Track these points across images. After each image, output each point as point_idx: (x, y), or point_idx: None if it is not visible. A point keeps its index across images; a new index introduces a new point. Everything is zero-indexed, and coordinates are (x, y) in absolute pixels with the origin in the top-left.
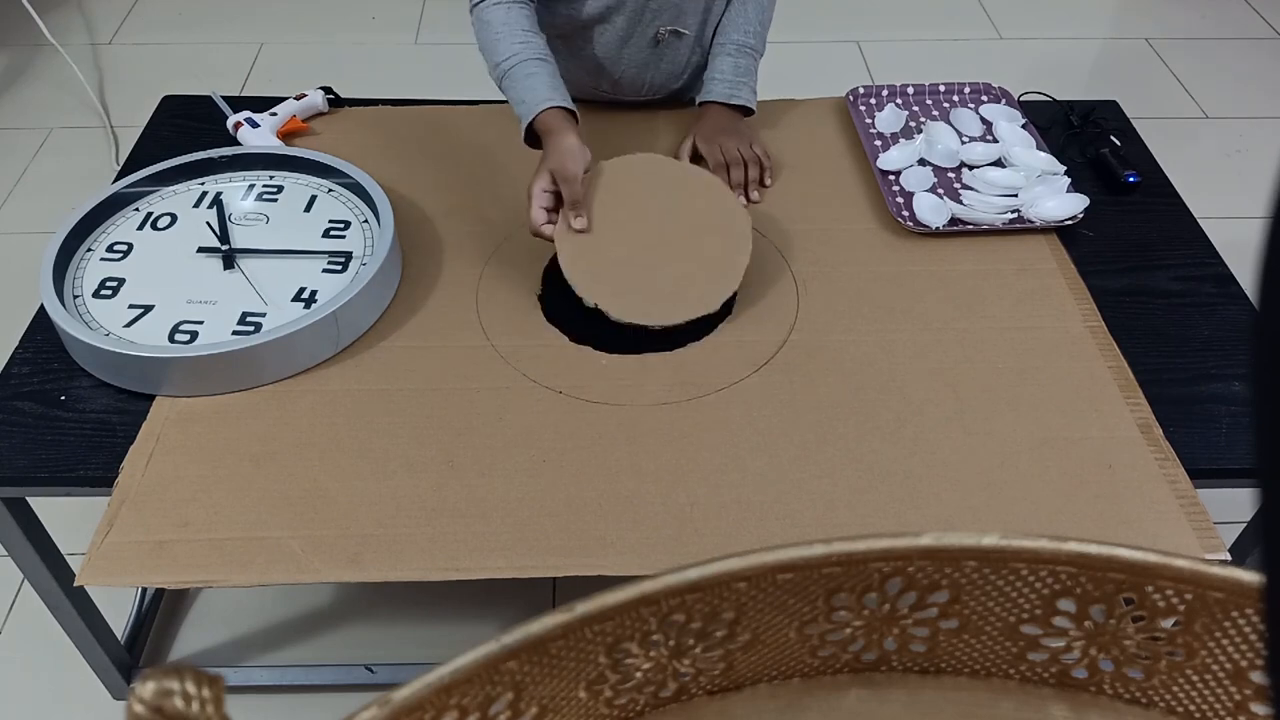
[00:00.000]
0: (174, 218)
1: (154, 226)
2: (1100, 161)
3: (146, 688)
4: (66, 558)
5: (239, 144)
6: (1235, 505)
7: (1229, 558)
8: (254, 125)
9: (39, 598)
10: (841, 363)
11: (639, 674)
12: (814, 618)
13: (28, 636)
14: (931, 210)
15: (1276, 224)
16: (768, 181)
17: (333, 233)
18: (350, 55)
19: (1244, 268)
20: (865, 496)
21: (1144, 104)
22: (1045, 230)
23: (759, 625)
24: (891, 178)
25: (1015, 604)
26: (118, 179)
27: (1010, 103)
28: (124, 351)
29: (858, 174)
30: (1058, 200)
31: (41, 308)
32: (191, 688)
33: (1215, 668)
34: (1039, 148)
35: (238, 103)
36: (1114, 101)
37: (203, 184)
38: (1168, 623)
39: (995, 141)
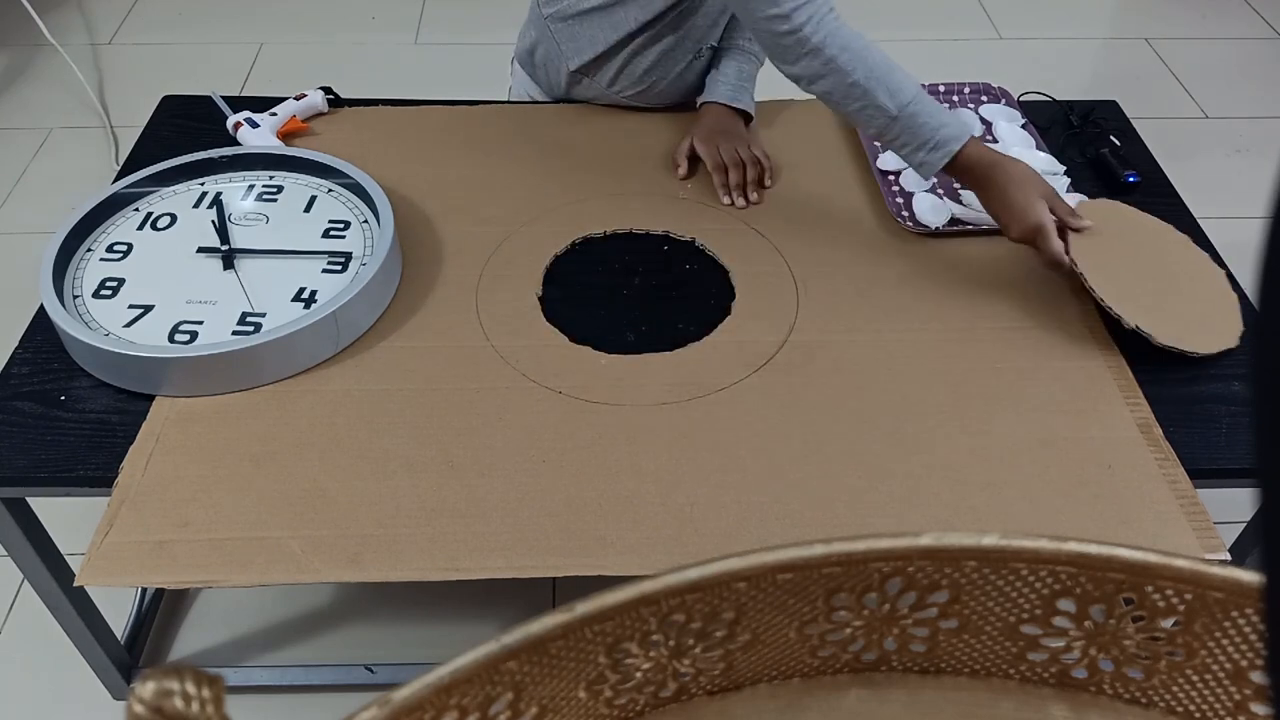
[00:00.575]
0: (174, 218)
1: (154, 227)
2: (1100, 161)
3: (146, 688)
4: (66, 558)
5: (239, 144)
6: (1235, 505)
7: (1229, 558)
8: (254, 125)
9: (39, 598)
10: (841, 363)
11: (639, 674)
12: (814, 618)
13: (28, 636)
14: (931, 210)
15: (1276, 224)
16: (767, 182)
17: (332, 233)
18: (350, 55)
19: (1244, 268)
20: (865, 496)
21: (1144, 104)
22: None
23: (759, 625)
24: (891, 178)
25: (1015, 604)
26: (118, 179)
27: (1010, 103)
28: (124, 351)
29: (857, 174)
30: None
31: (41, 308)
32: (191, 688)
33: (1215, 668)
34: (1039, 148)
35: (238, 103)
36: (1114, 101)
37: (202, 184)
38: (1168, 623)
39: (995, 141)
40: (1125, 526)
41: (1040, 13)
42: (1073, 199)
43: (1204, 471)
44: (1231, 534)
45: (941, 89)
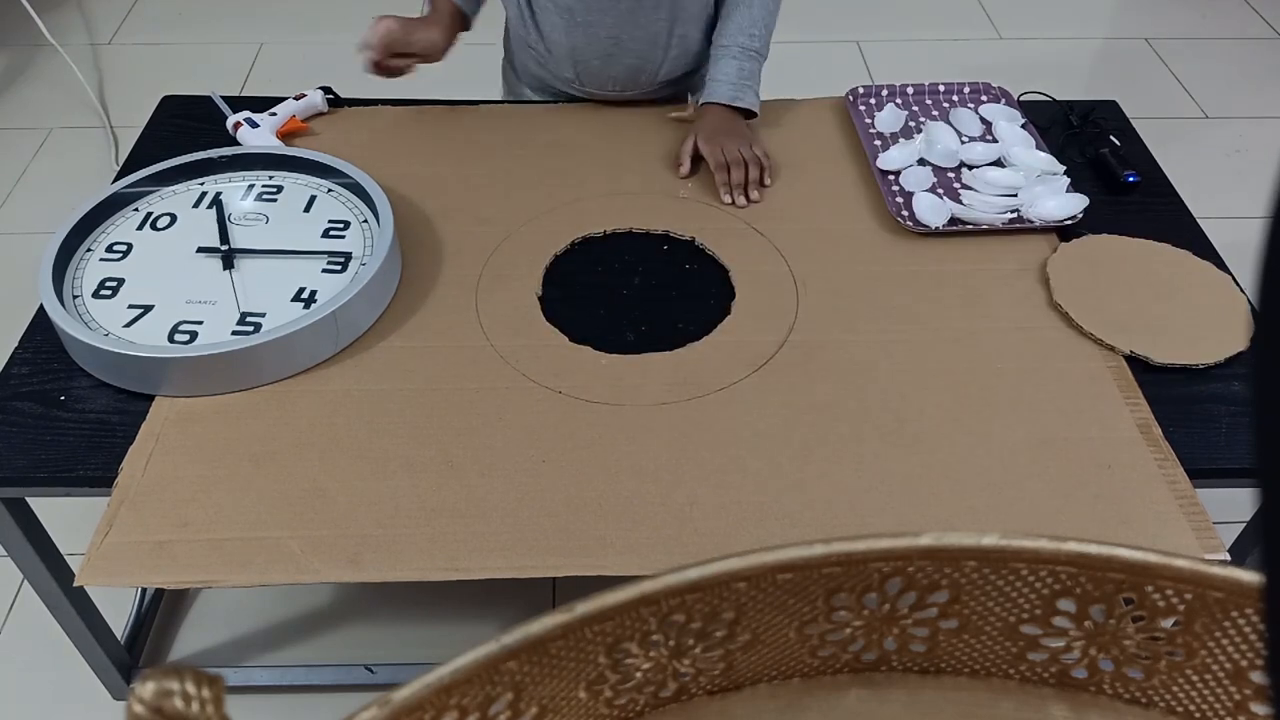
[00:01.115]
0: (173, 218)
1: (153, 226)
2: (1100, 161)
3: (146, 688)
4: (66, 558)
5: (239, 144)
6: (1235, 505)
7: (1228, 558)
8: (253, 125)
9: (39, 598)
10: (841, 363)
11: (639, 674)
12: (814, 618)
13: (27, 637)
14: (931, 210)
15: (1276, 224)
16: (767, 181)
17: (332, 233)
18: (350, 55)
19: (1244, 268)
20: (865, 496)
21: (1144, 104)
22: (1045, 230)
23: (759, 625)
24: (891, 178)
25: (1015, 604)
26: (117, 179)
27: (1010, 102)
28: (123, 351)
29: (857, 174)
30: (1057, 200)
31: (41, 308)
32: (191, 688)
33: (1215, 668)
34: (1039, 148)
35: (237, 103)
36: (1114, 101)
37: (202, 184)
38: (1168, 623)
39: (995, 141)
40: (1125, 527)
41: (1040, 13)
42: (1073, 199)
43: (1204, 471)
44: (1231, 534)
45: (941, 89)
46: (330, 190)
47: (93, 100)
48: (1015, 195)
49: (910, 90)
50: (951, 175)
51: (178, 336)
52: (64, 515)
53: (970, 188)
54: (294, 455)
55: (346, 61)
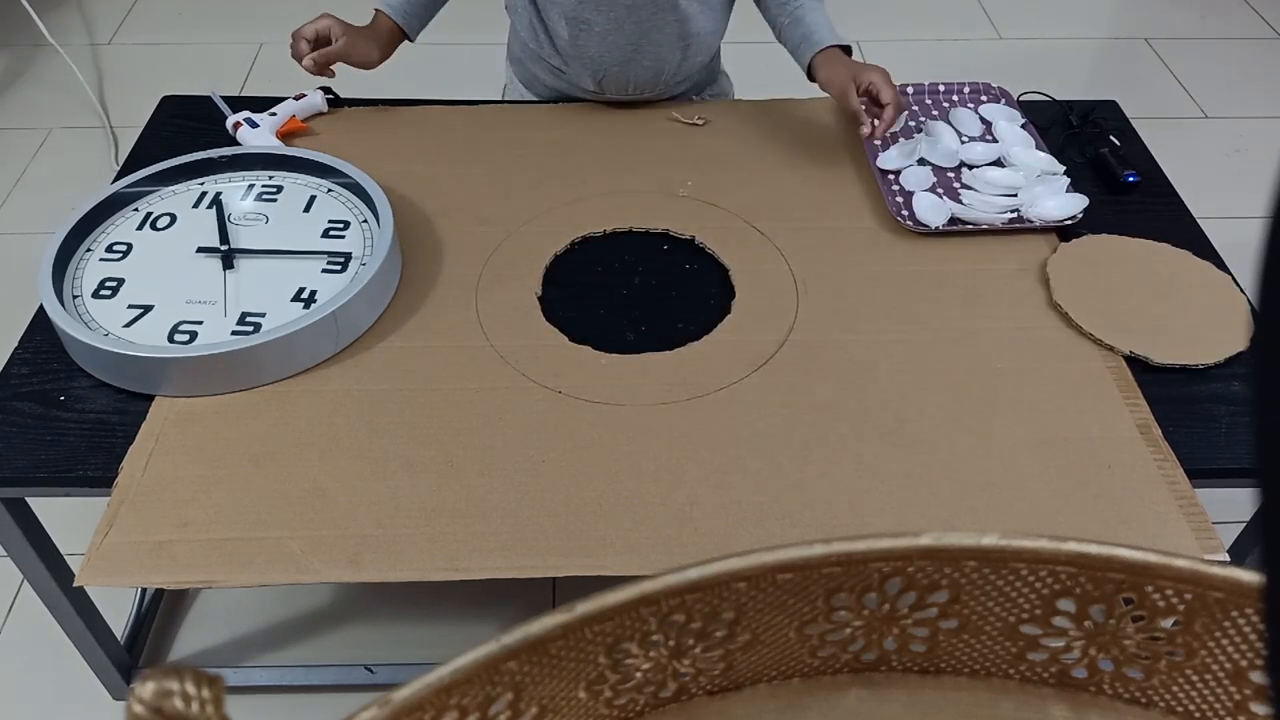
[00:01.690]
0: (173, 218)
1: (153, 226)
2: (1100, 161)
3: (146, 688)
4: (66, 558)
5: (238, 144)
6: (1235, 505)
7: (1228, 558)
8: (253, 125)
9: (39, 598)
10: (841, 362)
11: (639, 674)
12: (814, 618)
13: (27, 637)
14: (931, 210)
15: (1276, 224)
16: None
17: (332, 233)
18: None
19: (1244, 268)
20: (865, 496)
21: (1143, 104)
22: (1045, 230)
23: (759, 625)
24: (891, 177)
25: (1015, 604)
26: (117, 179)
27: (1010, 102)
28: (123, 352)
29: (857, 174)
30: (1057, 200)
31: (41, 308)
32: (191, 688)
33: (1215, 668)
34: (1038, 147)
35: (237, 103)
36: (1113, 101)
37: (202, 184)
38: (1167, 623)
39: (995, 141)
40: (1124, 527)
41: (1040, 13)
42: (1073, 199)
43: (1203, 471)
44: (1231, 534)
45: (941, 89)
46: (330, 190)
47: (93, 100)
48: (1015, 195)
49: (910, 90)
50: (951, 175)
51: (177, 336)
52: (64, 515)
53: (970, 188)
54: (294, 455)
55: None
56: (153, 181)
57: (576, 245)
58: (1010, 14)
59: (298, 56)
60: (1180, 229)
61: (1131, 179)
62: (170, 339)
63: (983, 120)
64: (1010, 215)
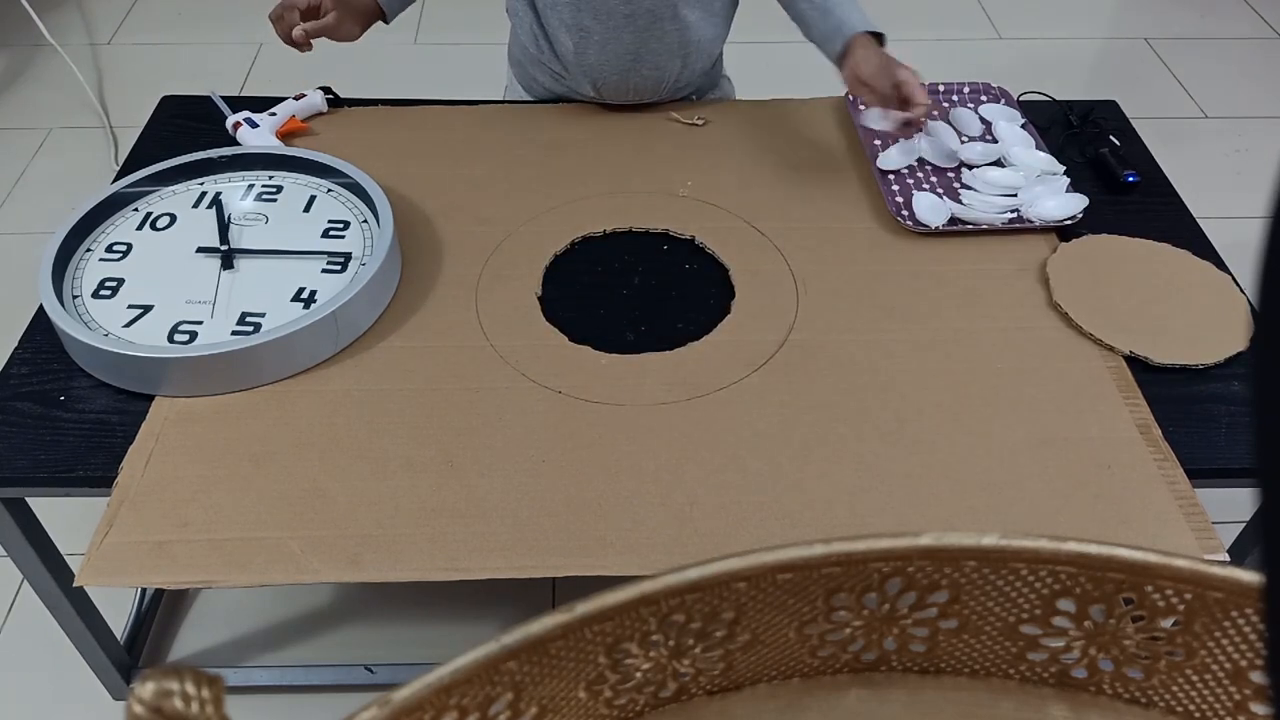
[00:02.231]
0: (173, 218)
1: (153, 227)
2: (1099, 161)
3: (146, 688)
4: (66, 558)
5: (238, 144)
6: (1235, 505)
7: (1228, 558)
8: (253, 125)
9: (38, 598)
10: (841, 362)
11: (639, 674)
12: (814, 618)
13: (27, 637)
14: (931, 210)
15: (1276, 224)
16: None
17: (332, 233)
18: (350, 55)
19: (1244, 268)
20: (865, 496)
21: (1143, 104)
22: (1045, 230)
23: (759, 625)
24: (891, 177)
25: (1015, 604)
26: (117, 179)
27: (1009, 102)
28: (123, 352)
29: (857, 174)
30: (1057, 200)
31: (41, 308)
32: (191, 688)
33: (1215, 668)
34: (1038, 147)
35: (237, 103)
36: (1113, 101)
37: (202, 184)
38: (1167, 623)
39: (995, 141)
40: (1124, 527)
41: (1040, 13)
42: (1073, 199)
43: (1203, 471)
44: (1231, 534)
45: (941, 89)
46: (330, 190)
47: (92, 100)
48: (1015, 195)
49: None
50: (951, 175)
51: (177, 336)
52: (64, 515)
53: (970, 188)
54: (294, 455)
55: (346, 61)
56: (153, 181)
57: (576, 245)
58: (1010, 14)
59: (288, 27)
60: (1180, 229)
61: (1131, 179)
62: (170, 339)
63: (983, 120)
64: (1010, 215)
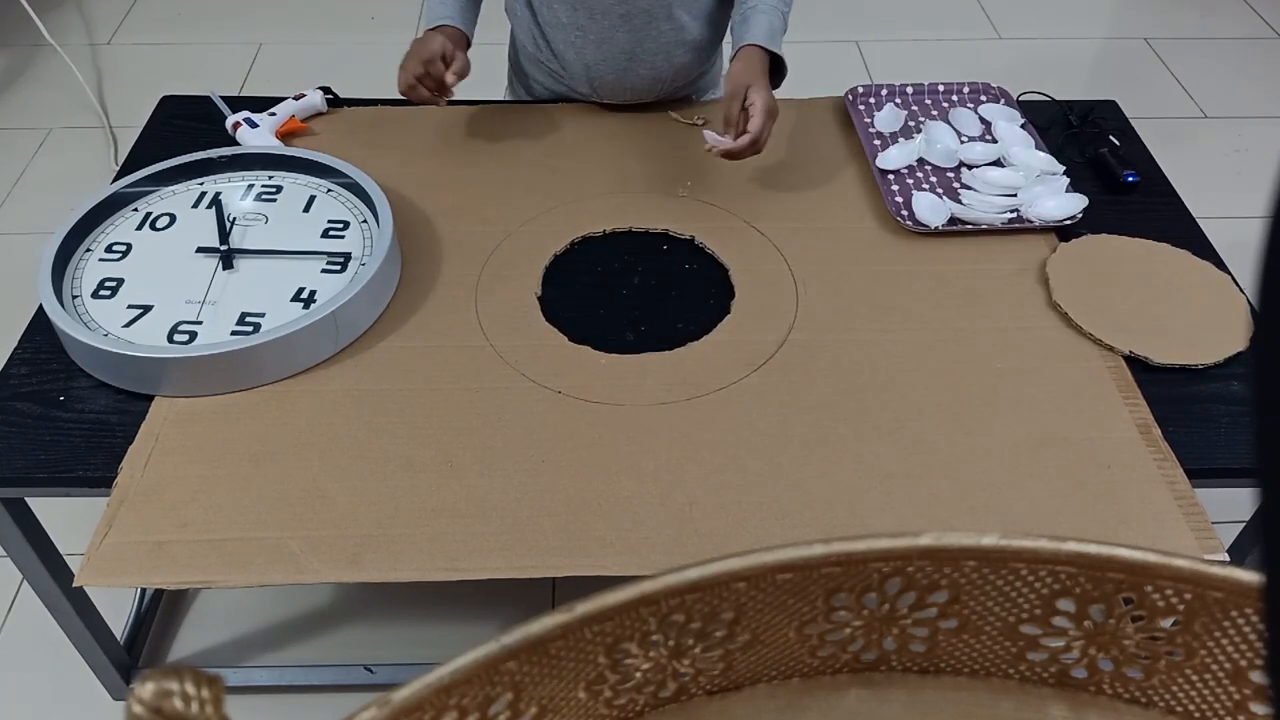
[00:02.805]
0: (173, 218)
1: (153, 227)
2: (1099, 161)
3: (146, 688)
4: (65, 558)
5: (238, 144)
6: (1234, 505)
7: (1227, 558)
8: (253, 125)
9: (38, 598)
10: (840, 362)
11: (638, 674)
12: (813, 618)
13: (27, 637)
14: (930, 210)
15: (1276, 224)
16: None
17: (332, 233)
18: (350, 55)
19: (1243, 268)
20: (865, 496)
21: (1143, 104)
22: (1044, 230)
23: (758, 625)
24: (891, 177)
25: (1015, 604)
26: (116, 179)
27: (1009, 102)
28: (123, 352)
29: (857, 174)
30: (1057, 200)
31: (40, 308)
32: (191, 688)
33: (1215, 667)
34: (1038, 147)
35: (236, 103)
36: (1113, 101)
37: (201, 184)
38: (1167, 622)
39: (994, 141)
40: (1124, 527)
41: (1040, 13)
42: (1073, 199)
43: (1203, 471)
44: (1231, 534)
45: (941, 89)
46: (330, 190)
47: (92, 100)
48: (1015, 195)
49: (910, 90)
50: (951, 175)
51: (177, 337)
52: (64, 515)
53: (970, 187)
54: (294, 455)
55: (346, 61)
56: (152, 181)
57: (576, 245)
58: (1010, 14)
59: (437, 78)
60: (1180, 229)
61: (1131, 179)
62: (170, 339)
63: (982, 120)
64: (1010, 215)
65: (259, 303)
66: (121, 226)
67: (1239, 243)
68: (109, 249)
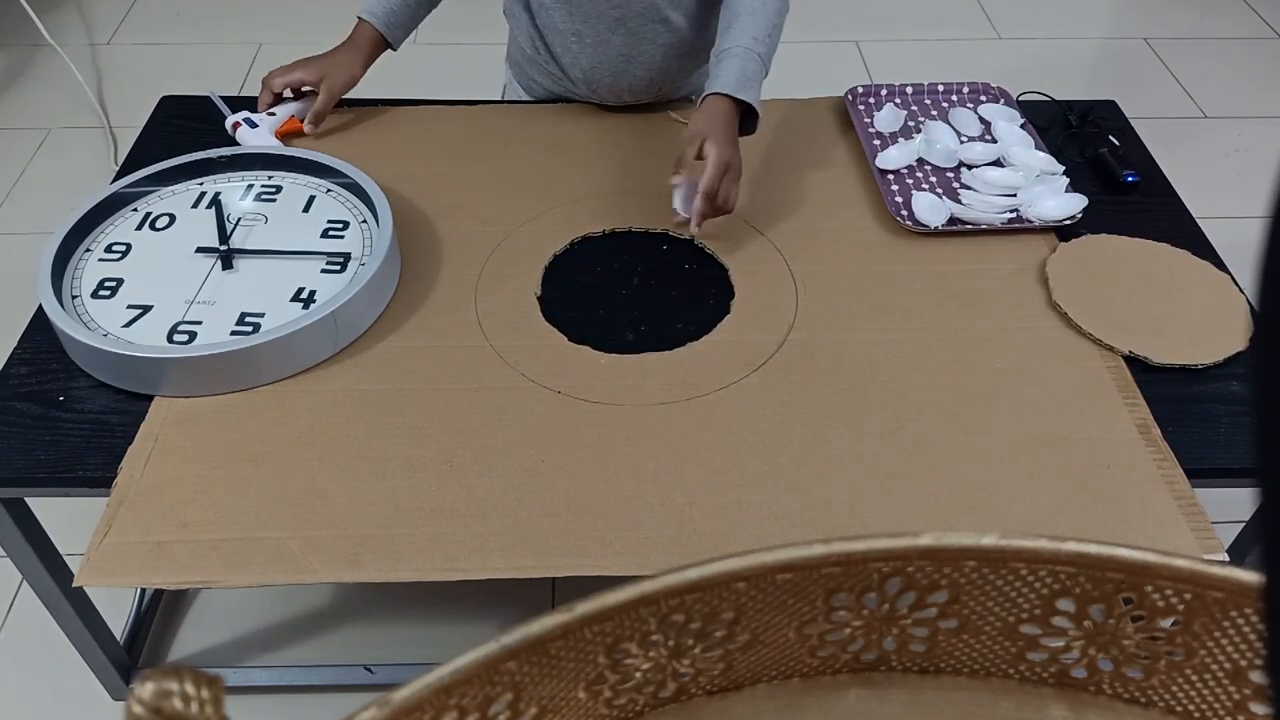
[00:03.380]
0: (172, 218)
1: (152, 227)
2: (1099, 161)
3: (145, 688)
4: (65, 558)
5: (237, 144)
6: (1234, 505)
7: (1227, 558)
8: (252, 125)
9: (38, 598)
10: (840, 362)
11: (638, 674)
12: (813, 618)
13: (27, 637)
14: (930, 210)
15: (1276, 224)
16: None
17: (331, 233)
18: None
19: (1243, 268)
20: (864, 496)
21: (1143, 104)
22: (1044, 230)
23: (758, 625)
24: (891, 177)
25: (1014, 604)
26: (116, 179)
27: (1009, 102)
28: (122, 352)
29: (857, 174)
30: (1056, 200)
31: (40, 308)
32: (191, 688)
33: (1214, 667)
34: (1038, 147)
35: (236, 103)
36: (1113, 101)
37: (201, 184)
38: (1167, 622)
39: (994, 141)
40: (1124, 527)
41: (1039, 13)
42: (1072, 199)
43: (1202, 471)
44: (1231, 534)
45: (940, 89)
46: (329, 190)
47: (92, 100)
48: (1014, 195)
49: (909, 90)
50: (951, 175)
51: (176, 337)
52: (63, 515)
53: (969, 187)
54: (293, 455)
55: None
56: (152, 181)
57: (576, 245)
58: (1010, 14)
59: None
60: (1180, 229)
61: (1131, 179)
62: (169, 339)
63: (982, 120)
64: (1009, 215)
65: (259, 303)
66: (121, 226)
67: (1239, 243)
68: (109, 249)
